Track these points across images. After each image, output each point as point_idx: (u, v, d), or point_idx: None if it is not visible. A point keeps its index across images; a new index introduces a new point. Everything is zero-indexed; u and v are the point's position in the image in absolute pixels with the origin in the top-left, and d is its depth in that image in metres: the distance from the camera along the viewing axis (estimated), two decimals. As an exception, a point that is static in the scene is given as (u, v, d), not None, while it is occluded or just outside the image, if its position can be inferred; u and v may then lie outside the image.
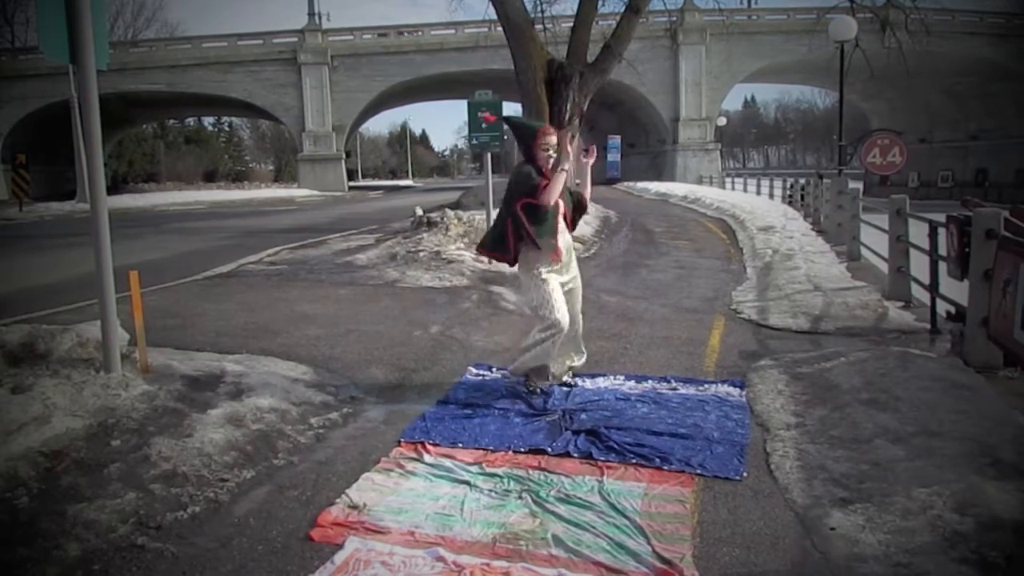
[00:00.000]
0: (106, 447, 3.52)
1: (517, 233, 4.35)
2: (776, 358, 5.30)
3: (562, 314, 4.34)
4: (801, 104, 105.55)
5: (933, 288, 6.27)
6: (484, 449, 3.71)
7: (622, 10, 15.87)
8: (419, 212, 13.46)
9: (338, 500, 3.13)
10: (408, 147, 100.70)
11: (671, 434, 3.83)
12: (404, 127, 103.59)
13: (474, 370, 5.11)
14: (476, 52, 39.61)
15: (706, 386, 4.69)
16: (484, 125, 9.76)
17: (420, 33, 44.89)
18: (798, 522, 2.94)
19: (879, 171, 14.35)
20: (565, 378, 4.72)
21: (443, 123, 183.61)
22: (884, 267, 8.54)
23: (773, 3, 44.57)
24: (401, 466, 3.50)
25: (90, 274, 4.50)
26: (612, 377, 4.92)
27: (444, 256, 9.77)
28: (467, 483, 3.32)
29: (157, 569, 2.63)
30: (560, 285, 4.44)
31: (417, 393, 4.67)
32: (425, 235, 11.19)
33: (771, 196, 23.05)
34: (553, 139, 4.38)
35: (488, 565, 2.63)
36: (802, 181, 20.46)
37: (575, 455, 3.61)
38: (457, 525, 2.94)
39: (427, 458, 3.59)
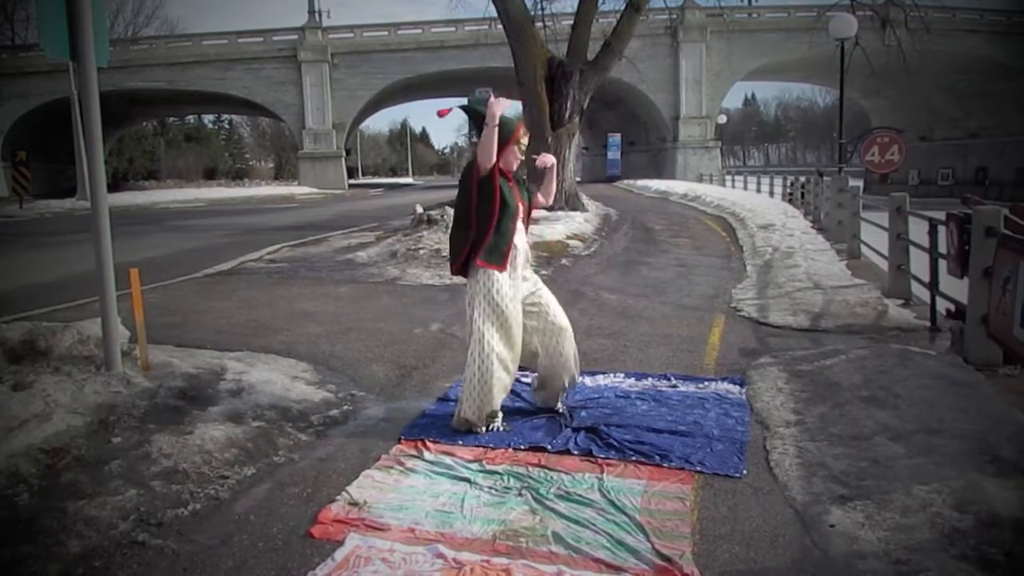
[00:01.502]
0: (107, 444, 3.52)
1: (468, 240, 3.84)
2: (776, 356, 5.31)
3: (516, 333, 3.85)
4: (801, 102, 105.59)
5: (933, 286, 6.27)
6: (484, 447, 3.71)
7: (622, 8, 15.89)
8: (419, 210, 13.45)
9: (338, 497, 3.14)
10: (408, 145, 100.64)
11: (671, 431, 3.84)
12: (404, 125, 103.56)
13: (474, 368, 5.10)
14: (476, 50, 39.61)
15: (706, 384, 4.69)
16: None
17: (420, 31, 44.85)
18: (798, 519, 2.94)
19: (878, 169, 14.35)
20: (559, 406, 4.16)
21: (443, 121, 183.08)
22: (884, 265, 8.55)
23: (773, 1, 44.50)
24: (401, 463, 3.51)
25: (90, 271, 4.50)
26: (612, 375, 4.92)
27: (444, 254, 9.76)
28: (467, 480, 3.32)
29: (158, 566, 2.63)
30: (516, 303, 3.88)
31: (417, 391, 4.68)
32: (425, 232, 11.19)
33: (771, 194, 23.04)
34: (526, 140, 3.89)
35: (488, 562, 2.63)
36: (802, 179, 20.45)
37: (575, 452, 3.61)
38: (457, 522, 2.94)
39: (427, 455, 3.60)
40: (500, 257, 3.81)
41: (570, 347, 4.09)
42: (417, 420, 4.08)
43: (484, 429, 3.86)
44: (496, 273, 3.81)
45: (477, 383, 3.81)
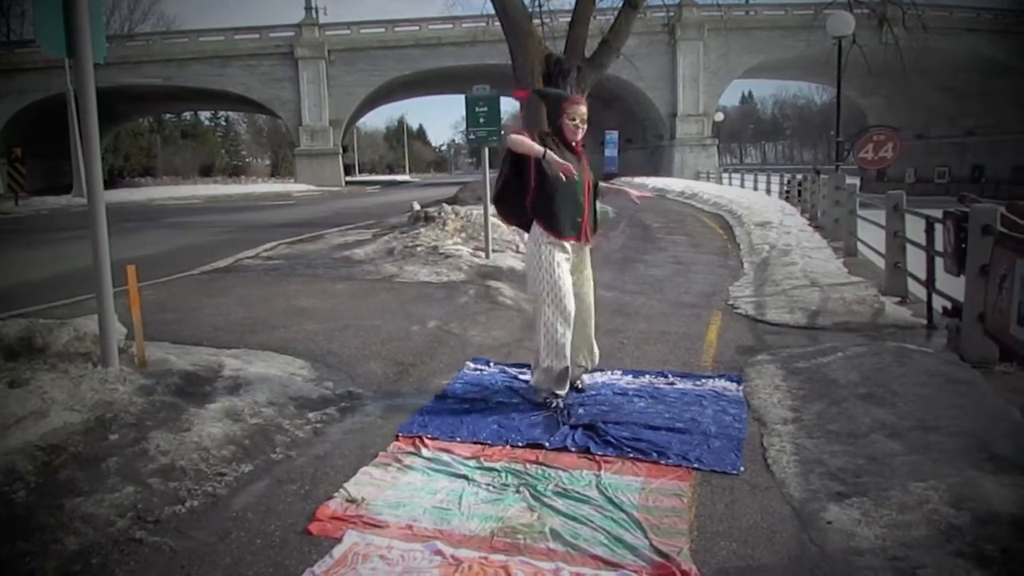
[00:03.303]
0: (104, 441, 3.51)
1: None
2: (773, 353, 5.31)
3: (567, 296, 4.10)
4: (798, 100, 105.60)
5: (930, 284, 6.28)
6: (482, 443, 3.72)
7: (620, 5, 15.86)
8: (416, 207, 13.43)
9: (336, 494, 3.13)
10: (405, 142, 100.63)
11: (668, 428, 3.84)
12: (401, 122, 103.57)
13: (472, 365, 5.11)
14: (474, 47, 39.62)
15: (703, 381, 4.70)
16: (483, 119, 9.72)
17: (418, 28, 44.81)
18: (795, 516, 2.95)
19: (871, 166, 14.38)
20: (577, 383, 4.46)
21: (440, 118, 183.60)
22: (881, 263, 8.56)
23: (771, -2, 44.59)
24: (399, 460, 3.51)
25: (87, 268, 4.49)
26: (609, 372, 4.91)
27: (441, 251, 9.76)
28: (465, 477, 3.32)
29: (155, 563, 2.63)
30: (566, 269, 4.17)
31: (415, 388, 4.67)
32: (422, 230, 11.17)
33: (768, 192, 23.06)
34: (581, 109, 4.20)
35: (486, 559, 2.63)
36: (799, 177, 20.48)
37: (573, 449, 3.61)
38: (455, 519, 2.94)
39: (425, 452, 3.60)
40: (557, 224, 4.11)
41: (591, 324, 4.45)
42: (415, 417, 4.07)
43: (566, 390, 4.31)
44: (552, 239, 4.11)
45: (553, 344, 4.15)
